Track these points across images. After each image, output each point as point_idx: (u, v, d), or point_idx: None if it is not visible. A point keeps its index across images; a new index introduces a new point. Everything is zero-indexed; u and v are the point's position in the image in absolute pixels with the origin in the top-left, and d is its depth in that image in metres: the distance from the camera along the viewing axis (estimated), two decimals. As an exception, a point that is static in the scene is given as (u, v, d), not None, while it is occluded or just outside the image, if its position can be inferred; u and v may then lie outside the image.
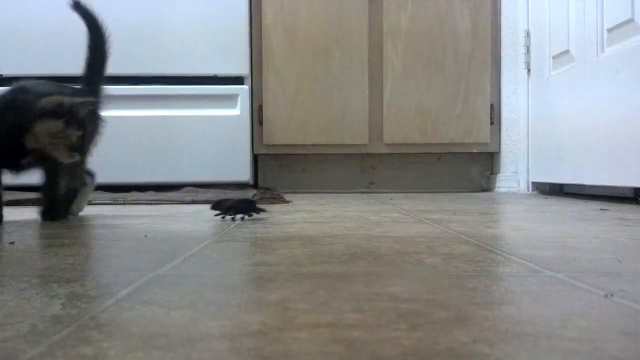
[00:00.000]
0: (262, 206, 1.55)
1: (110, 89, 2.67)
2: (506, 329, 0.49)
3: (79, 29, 2.68)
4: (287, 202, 2.13)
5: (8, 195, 2.12)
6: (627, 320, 0.53)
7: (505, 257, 0.86)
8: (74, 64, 2.66)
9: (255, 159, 2.96)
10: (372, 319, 0.52)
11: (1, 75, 2.66)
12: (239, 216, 1.44)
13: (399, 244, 0.99)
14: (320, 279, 0.70)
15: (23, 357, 0.42)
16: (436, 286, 0.66)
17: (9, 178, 1.52)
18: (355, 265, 0.79)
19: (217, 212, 1.46)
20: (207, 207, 1.60)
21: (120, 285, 0.65)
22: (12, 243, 1.03)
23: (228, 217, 1.44)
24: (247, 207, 1.45)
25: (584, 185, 2.31)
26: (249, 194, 2.38)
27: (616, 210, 1.66)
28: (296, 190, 2.95)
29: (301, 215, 1.55)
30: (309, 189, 2.99)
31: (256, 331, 0.48)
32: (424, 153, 2.98)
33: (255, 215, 1.47)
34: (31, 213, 1.68)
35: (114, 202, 2.11)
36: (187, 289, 0.65)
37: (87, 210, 1.78)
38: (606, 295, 0.60)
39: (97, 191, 2.43)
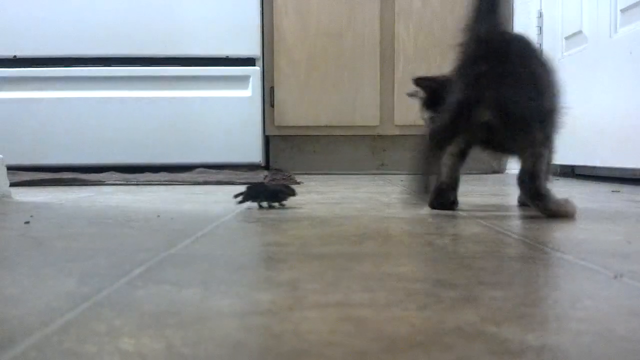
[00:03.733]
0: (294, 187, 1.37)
1: (122, 71, 2.69)
2: (514, 310, 0.49)
3: (95, 11, 2.69)
4: (298, 183, 2.13)
5: (24, 176, 2.14)
6: (636, 301, 0.53)
7: (514, 239, 0.86)
8: (90, 45, 2.68)
9: (267, 140, 2.96)
10: (381, 299, 0.52)
11: (15, 56, 2.67)
12: (276, 204, 1.28)
13: (408, 225, 0.99)
14: (330, 259, 0.70)
15: (37, 333, 0.42)
16: (445, 267, 0.66)
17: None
18: (365, 246, 0.79)
19: (251, 199, 1.27)
20: (218, 187, 1.60)
21: (133, 264, 0.66)
22: (27, 222, 1.04)
23: (265, 205, 1.27)
24: (283, 192, 1.29)
25: (596, 167, 2.30)
26: (261, 175, 2.39)
27: (628, 192, 1.66)
28: (307, 172, 2.95)
29: (312, 197, 1.56)
30: (320, 170, 3.00)
31: (266, 310, 0.49)
32: (436, 135, 2.97)
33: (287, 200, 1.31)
34: (47, 194, 1.70)
35: (127, 183, 2.12)
36: (199, 268, 0.65)
37: (100, 191, 1.79)
38: (615, 277, 0.60)
39: (110, 172, 2.45)
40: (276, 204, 1.28)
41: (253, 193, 1.28)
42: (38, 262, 0.70)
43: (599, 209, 1.26)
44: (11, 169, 1.68)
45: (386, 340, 0.41)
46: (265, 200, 1.27)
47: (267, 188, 1.31)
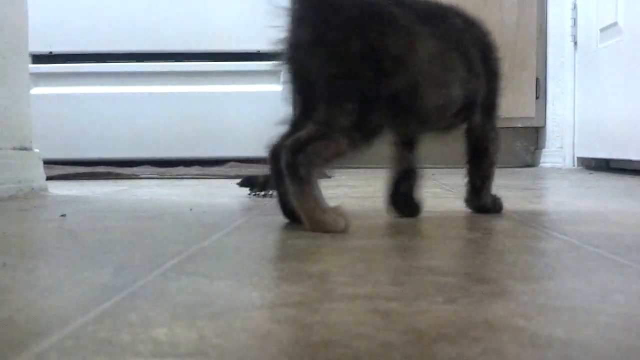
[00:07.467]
0: None
1: (155, 66, 2.72)
2: (544, 304, 0.49)
3: (128, 7, 2.72)
4: (329, 177, 2.14)
5: (60, 170, 2.17)
6: (667, 296, 0.52)
7: (546, 233, 0.86)
8: (124, 41, 2.71)
9: (298, 134, 2.96)
10: (409, 292, 0.52)
11: (51, 52, 2.71)
12: (270, 192, 1.39)
13: (439, 219, 0.99)
14: (360, 252, 0.71)
15: (73, 323, 0.43)
16: (475, 260, 0.66)
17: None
18: (395, 240, 0.80)
19: (247, 188, 1.45)
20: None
21: (166, 257, 0.67)
22: (63, 215, 1.06)
23: (260, 194, 1.41)
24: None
25: (631, 161, 2.27)
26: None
27: (664, 186, 1.63)
28: (338, 165, 2.95)
29: (342, 190, 1.56)
30: (351, 164, 2.99)
31: (296, 302, 0.49)
32: (468, 128, 2.94)
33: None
34: (82, 187, 1.73)
35: (161, 177, 2.15)
36: (230, 261, 0.66)
37: (134, 184, 1.82)
38: (647, 271, 0.60)
39: (144, 165, 2.48)
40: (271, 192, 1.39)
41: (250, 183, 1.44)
42: (74, 254, 0.72)
43: (633, 204, 1.25)
44: (47, 163, 1.71)
45: (413, 332, 0.42)
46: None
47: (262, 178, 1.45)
